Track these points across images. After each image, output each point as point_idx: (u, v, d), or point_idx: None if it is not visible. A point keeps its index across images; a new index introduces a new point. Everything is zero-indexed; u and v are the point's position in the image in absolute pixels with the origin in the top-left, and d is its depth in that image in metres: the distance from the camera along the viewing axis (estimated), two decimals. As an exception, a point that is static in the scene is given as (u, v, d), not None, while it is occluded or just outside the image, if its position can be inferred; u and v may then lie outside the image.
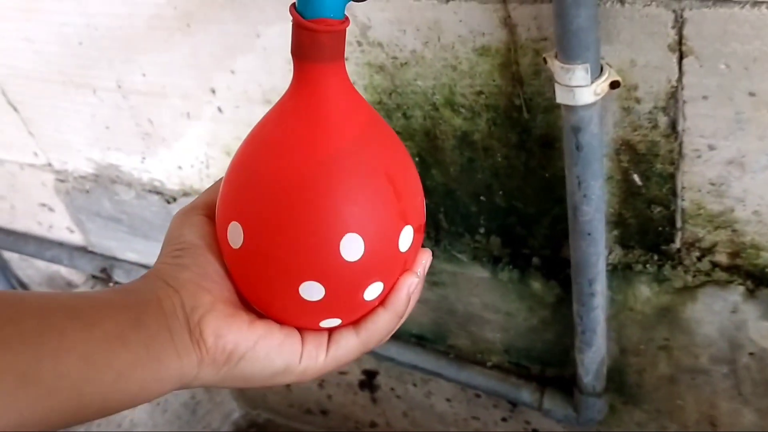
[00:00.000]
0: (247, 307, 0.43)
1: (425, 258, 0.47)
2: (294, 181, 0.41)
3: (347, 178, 0.41)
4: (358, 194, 0.42)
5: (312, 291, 0.42)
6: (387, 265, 0.44)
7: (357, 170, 0.42)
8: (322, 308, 0.43)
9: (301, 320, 0.44)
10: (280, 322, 0.43)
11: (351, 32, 0.73)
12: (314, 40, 0.37)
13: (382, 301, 0.45)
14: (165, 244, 0.44)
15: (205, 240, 0.43)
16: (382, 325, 0.44)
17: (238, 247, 0.42)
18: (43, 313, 0.35)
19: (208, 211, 0.45)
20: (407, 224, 0.44)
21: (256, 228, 0.41)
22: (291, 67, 0.41)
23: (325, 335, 0.44)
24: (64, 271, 1.48)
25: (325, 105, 0.40)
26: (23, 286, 1.62)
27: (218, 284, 0.42)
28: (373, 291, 0.44)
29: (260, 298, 0.44)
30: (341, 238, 0.41)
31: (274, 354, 0.41)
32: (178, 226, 0.44)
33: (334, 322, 0.44)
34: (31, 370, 0.33)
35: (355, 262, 0.42)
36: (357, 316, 0.45)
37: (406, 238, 0.44)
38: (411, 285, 0.45)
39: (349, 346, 0.44)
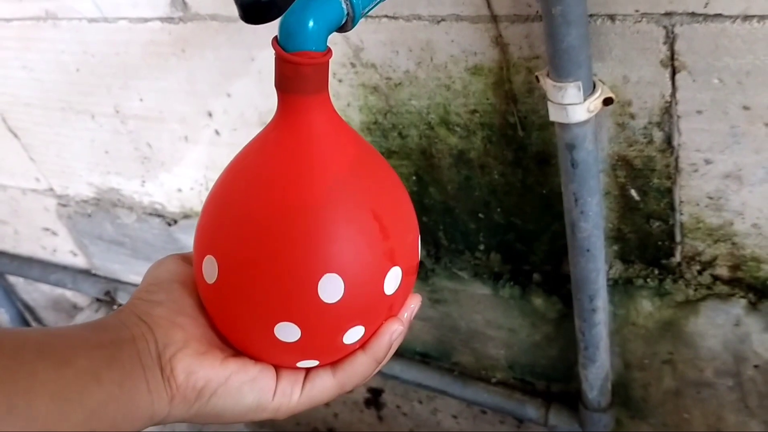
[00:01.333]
0: (224, 342, 0.43)
1: (414, 302, 0.46)
2: (271, 217, 0.39)
3: (328, 214, 0.40)
4: (339, 232, 0.40)
5: (287, 332, 0.41)
6: (370, 309, 0.43)
7: (339, 207, 0.40)
8: (299, 349, 0.42)
9: (276, 359, 0.43)
10: (256, 359, 0.43)
11: (344, 54, 0.73)
12: (297, 73, 0.37)
13: (363, 344, 0.44)
14: (141, 283, 0.44)
15: (180, 277, 0.43)
16: (360, 369, 0.44)
17: (212, 282, 0.41)
18: (15, 352, 0.34)
19: (187, 258, 0.45)
20: (395, 265, 0.42)
21: (230, 263, 0.40)
22: (277, 97, 0.40)
23: (302, 373, 0.44)
24: (68, 294, 1.49)
25: (309, 139, 0.40)
26: (29, 309, 1.62)
27: (192, 320, 0.42)
28: (353, 335, 0.42)
29: (235, 335, 0.43)
30: (319, 279, 0.39)
31: (246, 389, 0.41)
32: (155, 267, 0.44)
33: (311, 363, 0.43)
34: (3, 413, 0.32)
35: (333, 303, 0.40)
36: (335, 358, 0.44)
37: (393, 280, 0.42)
38: (394, 333, 0.44)
39: (325, 386, 0.44)
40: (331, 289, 0.40)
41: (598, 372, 0.83)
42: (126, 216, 1.16)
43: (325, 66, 0.38)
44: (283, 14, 0.37)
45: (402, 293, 0.44)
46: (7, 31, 0.97)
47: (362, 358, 0.44)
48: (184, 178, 1.02)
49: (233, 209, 0.41)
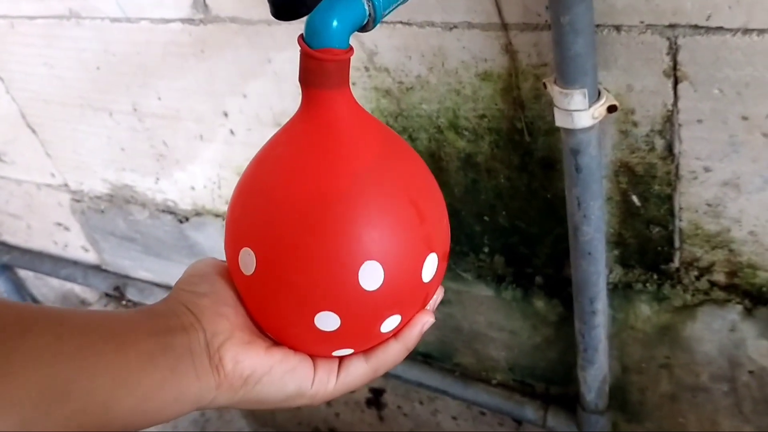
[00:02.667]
0: (262, 332, 0.44)
1: (438, 294, 0.47)
2: (309, 206, 0.40)
3: (366, 201, 0.40)
4: (378, 218, 0.40)
5: (327, 321, 0.41)
6: (408, 296, 0.43)
7: (376, 193, 0.40)
8: (337, 338, 0.42)
9: (313, 349, 0.44)
10: (292, 349, 0.43)
11: (359, 58, 0.76)
12: (321, 68, 0.39)
13: (396, 333, 0.44)
14: (180, 278, 0.45)
15: (219, 270, 0.45)
16: (392, 356, 0.45)
17: (250, 273, 0.41)
18: (84, 333, 0.37)
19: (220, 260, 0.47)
20: (432, 251, 0.42)
21: (269, 254, 0.41)
22: (301, 91, 0.42)
23: (336, 361, 0.45)
24: (78, 289, 1.51)
25: (337, 129, 0.41)
26: (37, 303, 1.65)
27: (234, 310, 0.43)
28: (390, 323, 0.43)
29: (273, 325, 0.43)
30: (360, 266, 0.39)
31: (287, 379, 0.43)
32: (194, 263, 0.46)
33: (346, 351, 0.44)
34: (68, 387, 0.34)
35: (374, 291, 0.40)
36: (370, 346, 0.45)
37: (431, 267, 0.42)
38: (426, 324, 0.45)
39: (359, 373, 0.45)
40: (371, 276, 0.40)
41: (596, 374, 0.85)
42: (138, 212, 1.19)
43: (347, 63, 0.40)
44: (310, 13, 0.39)
45: (437, 280, 0.44)
46: (31, 28, 1.00)
47: (395, 346, 0.45)
48: (197, 176, 1.05)
49: (267, 200, 0.41)
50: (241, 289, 0.43)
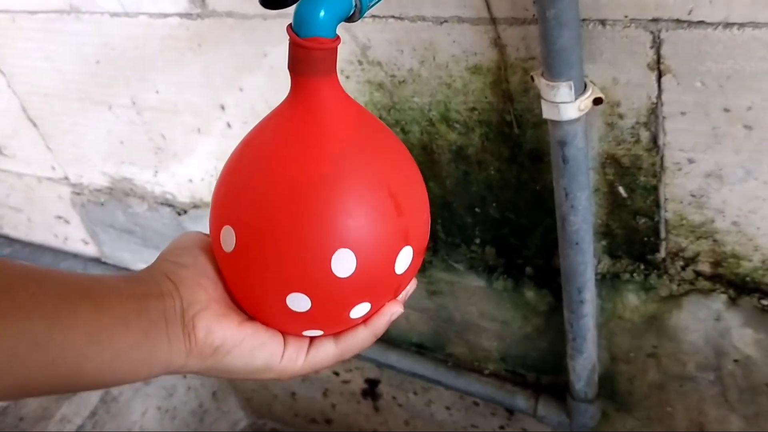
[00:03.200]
0: (238, 307, 0.46)
1: (411, 286, 0.49)
2: (289, 189, 0.41)
3: (344, 189, 0.41)
4: (355, 207, 0.41)
5: (299, 302, 0.42)
6: (379, 287, 0.44)
7: (355, 182, 0.41)
8: (307, 320, 0.44)
9: (284, 327, 0.46)
10: (265, 325, 0.45)
11: (352, 52, 0.77)
12: (308, 57, 0.41)
13: (366, 319, 0.46)
14: (164, 250, 0.48)
15: (202, 245, 0.47)
16: (359, 341, 0.47)
17: (230, 250, 0.43)
18: (62, 292, 0.39)
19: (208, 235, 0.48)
20: (407, 244, 0.43)
21: (247, 233, 0.42)
22: (290, 78, 0.44)
23: (306, 340, 0.47)
24: (78, 282, 1.53)
25: (320, 115, 0.42)
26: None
27: (213, 283, 0.45)
28: (359, 310, 0.44)
29: (248, 302, 0.45)
30: (333, 253, 0.41)
31: (257, 353, 0.45)
32: (179, 238, 0.48)
33: (316, 332, 0.46)
34: (42, 339, 0.36)
35: (345, 278, 0.41)
36: (339, 329, 0.47)
37: (404, 259, 0.44)
38: (395, 314, 0.47)
39: (328, 354, 0.47)
40: (344, 264, 0.41)
41: (585, 363, 0.87)
42: (138, 205, 1.20)
43: (334, 51, 0.42)
44: (298, 3, 0.41)
45: (410, 273, 0.45)
46: (32, 22, 1.01)
47: (363, 332, 0.47)
48: (195, 169, 1.06)
49: (249, 182, 0.43)
50: (222, 265, 0.45)
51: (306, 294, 0.42)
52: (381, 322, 0.47)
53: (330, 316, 0.45)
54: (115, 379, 0.41)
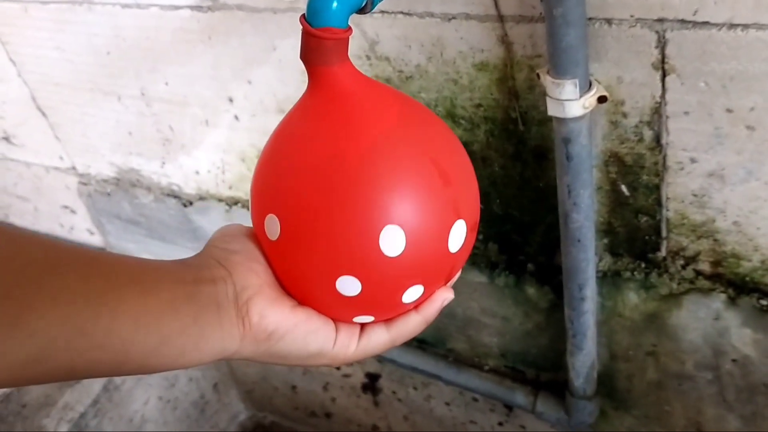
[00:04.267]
0: (289, 295, 0.45)
1: (457, 273, 0.48)
2: (327, 171, 0.40)
3: (384, 164, 0.40)
4: (397, 181, 0.39)
5: (349, 286, 0.42)
6: (432, 266, 0.42)
7: (395, 155, 0.40)
8: (358, 304, 0.43)
9: (335, 313, 0.45)
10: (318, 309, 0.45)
11: (360, 47, 0.78)
12: (321, 46, 0.42)
13: (417, 305, 0.45)
14: (212, 238, 0.47)
15: (248, 234, 0.47)
16: (411, 327, 0.47)
17: (275, 239, 0.43)
18: (109, 276, 0.38)
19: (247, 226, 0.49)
20: (459, 218, 0.41)
21: (291, 220, 0.42)
22: (304, 78, 0.44)
23: (358, 327, 0.47)
24: (82, 272, 1.54)
25: (348, 97, 0.42)
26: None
27: (264, 268, 0.45)
28: (412, 294, 0.43)
29: (297, 289, 0.44)
30: (380, 231, 0.39)
31: (310, 338, 0.44)
32: (223, 228, 0.48)
33: (367, 318, 0.45)
34: (89, 325, 0.36)
35: (395, 257, 0.40)
36: (391, 315, 0.46)
37: (458, 235, 0.42)
38: (446, 300, 0.46)
39: (379, 341, 0.47)
40: (393, 241, 0.39)
41: (584, 360, 0.87)
42: (144, 196, 1.21)
43: (346, 41, 0.43)
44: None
45: (464, 252, 0.43)
46: (43, 12, 1.02)
47: (415, 318, 0.46)
48: (202, 160, 1.07)
49: (287, 169, 0.42)
50: (268, 255, 0.45)
51: (356, 276, 0.41)
52: (433, 309, 0.46)
53: (381, 300, 0.43)
54: (163, 364, 0.40)
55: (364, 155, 0.40)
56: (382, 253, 0.40)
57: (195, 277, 0.42)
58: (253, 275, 0.44)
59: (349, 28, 0.43)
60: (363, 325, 0.47)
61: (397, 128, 0.41)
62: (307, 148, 0.42)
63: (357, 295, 0.42)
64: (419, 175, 0.40)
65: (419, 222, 0.40)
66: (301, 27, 0.43)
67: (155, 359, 0.40)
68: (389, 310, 0.45)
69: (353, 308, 0.44)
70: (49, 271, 0.36)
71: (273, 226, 0.43)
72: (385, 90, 0.44)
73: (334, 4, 0.41)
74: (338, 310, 0.45)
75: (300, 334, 0.44)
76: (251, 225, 0.49)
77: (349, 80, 0.42)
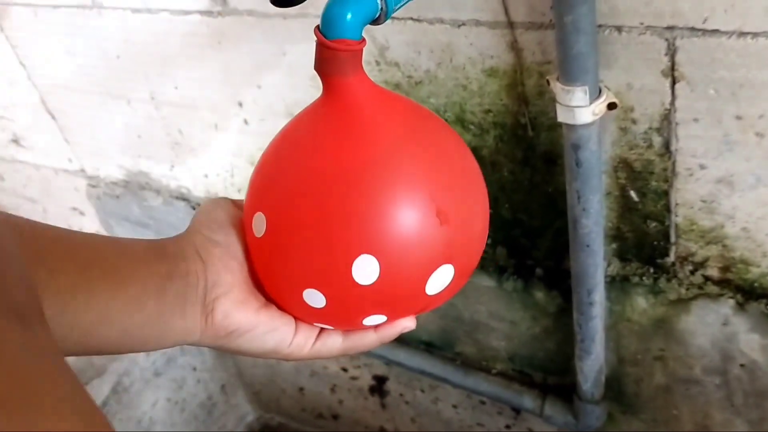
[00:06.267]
0: (259, 291, 0.46)
1: (430, 309, 0.47)
2: (318, 184, 0.40)
3: (377, 190, 0.39)
4: (385, 210, 0.38)
5: (315, 299, 0.42)
6: (402, 303, 0.41)
7: (391, 182, 0.38)
8: (320, 315, 0.44)
9: (298, 317, 0.46)
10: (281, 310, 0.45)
11: (370, 52, 0.79)
12: (335, 57, 0.42)
13: (377, 326, 0.46)
14: (198, 218, 0.47)
15: (234, 223, 0.47)
16: (367, 344, 0.48)
17: (259, 236, 0.43)
18: (82, 269, 0.39)
19: (238, 204, 0.49)
20: (447, 263, 0.39)
21: (276, 220, 0.42)
22: (314, 83, 0.45)
23: (316, 330, 0.48)
24: (90, 273, 1.55)
25: (358, 112, 0.42)
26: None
27: (240, 265, 0.45)
28: (373, 320, 0.43)
29: (268, 287, 0.45)
30: (356, 257, 0.39)
31: (267, 338, 0.46)
32: (212, 207, 0.48)
33: (327, 327, 0.46)
34: (56, 316, 0.37)
35: (366, 286, 0.39)
36: (350, 329, 0.47)
37: (440, 279, 0.40)
38: (406, 328, 0.47)
39: (333, 347, 0.48)
40: (365, 270, 0.38)
41: (593, 364, 0.88)
42: (153, 199, 1.22)
43: (360, 53, 0.43)
44: (326, 6, 0.42)
45: (446, 295, 0.42)
46: (54, 16, 1.03)
47: (372, 336, 0.47)
48: (211, 164, 1.08)
49: (284, 172, 0.43)
50: (251, 249, 0.45)
51: (323, 293, 0.41)
52: (391, 333, 0.47)
53: (343, 319, 0.44)
54: (124, 350, 0.42)
55: (358, 177, 0.39)
56: (353, 279, 0.39)
57: (168, 270, 0.42)
58: (227, 273, 0.44)
59: (363, 40, 0.43)
60: (321, 329, 0.47)
61: (404, 152, 0.39)
62: (306, 155, 0.42)
63: (321, 309, 0.42)
64: (413, 209, 0.38)
65: (400, 258, 0.38)
66: (314, 36, 0.43)
67: (114, 347, 0.41)
68: (348, 327, 0.46)
69: (315, 317, 0.44)
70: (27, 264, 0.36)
71: (260, 224, 0.43)
72: (400, 104, 0.43)
73: (349, 16, 0.42)
74: (301, 316, 0.45)
75: (259, 333, 0.45)
76: (233, 200, 0.49)
77: (363, 91, 0.42)
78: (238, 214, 0.48)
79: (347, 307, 0.42)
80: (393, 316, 0.44)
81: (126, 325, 0.40)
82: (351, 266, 0.39)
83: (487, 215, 0.43)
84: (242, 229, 0.46)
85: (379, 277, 0.39)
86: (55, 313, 0.37)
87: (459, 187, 0.41)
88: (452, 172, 0.41)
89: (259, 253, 0.45)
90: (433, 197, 0.38)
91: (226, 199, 0.49)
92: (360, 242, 0.39)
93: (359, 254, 0.38)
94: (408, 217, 0.38)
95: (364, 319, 0.43)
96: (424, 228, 0.38)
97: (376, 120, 0.41)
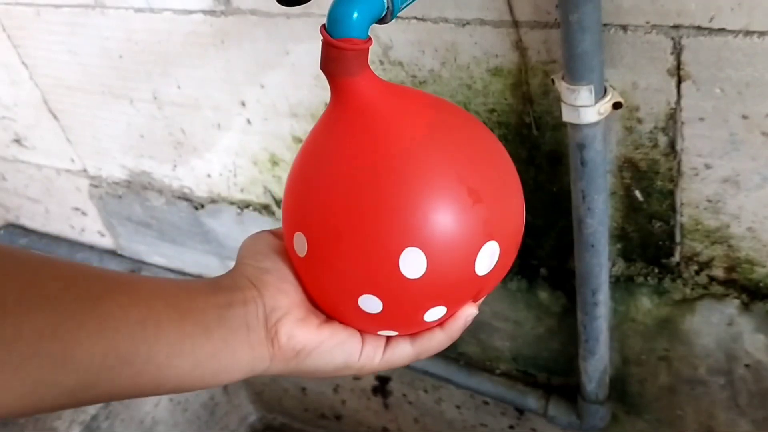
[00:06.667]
0: (316, 307, 0.46)
1: (488, 293, 0.47)
2: (348, 190, 0.40)
3: (406, 182, 0.39)
4: (420, 201, 0.39)
5: (370, 304, 0.42)
6: (455, 289, 0.42)
7: (418, 173, 0.39)
8: (381, 321, 0.43)
9: (359, 327, 0.45)
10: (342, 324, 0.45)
11: (374, 52, 0.78)
12: (341, 57, 0.42)
13: (442, 322, 0.45)
14: (243, 253, 0.48)
15: (278, 249, 0.47)
16: (436, 344, 0.47)
17: (302, 255, 0.43)
18: (148, 304, 0.40)
19: (277, 234, 0.49)
20: (491, 239, 0.40)
21: (316, 238, 0.42)
22: (317, 82, 0.45)
23: (383, 339, 0.47)
24: (93, 273, 1.55)
25: (371, 109, 0.41)
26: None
27: (294, 287, 0.46)
28: (434, 313, 0.43)
29: (323, 304, 0.45)
30: (400, 253, 0.39)
31: (336, 352, 0.46)
32: (253, 241, 0.49)
33: (391, 333, 0.45)
34: (129, 354, 0.38)
35: (416, 279, 0.39)
36: (414, 331, 0.46)
37: (487, 258, 0.40)
38: (470, 316, 0.47)
39: (404, 354, 0.48)
40: (413, 264, 0.39)
41: (597, 364, 0.87)
42: (155, 199, 1.22)
43: (366, 52, 0.43)
44: (332, 4, 0.42)
45: (497, 273, 0.42)
46: (56, 16, 1.03)
47: (439, 335, 0.47)
48: (214, 164, 1.08)
49: (313, 187, 0.42)
50: (297, 270, 0.45)
51: (377, 296, 0.41)
52: (457, 326, 0.47)
53: (403, 319, 0.43)
54: (196, 385, 0.42)
55: (387, 173, 0.39)
56: (402, 275, 0.39)
57: (227, 301, 0.43)
58: (283, 296, 0.45)
59: (370, 39, 0.42)
60: (388, 338, 0.47)
61: (424, 141, 0.40)
62: (331, 165, 0.42)
63: (379, 313, 0.42)
64: (444, 194, 0.39)
65: (442, 244, 0.39)
66: (317, 35, 0.43)
67: (190, 380, 0.41)
68: (412, 327, 0.45)
69: (376, 324, 0.44)
70: (91, 306, 0.38)
71: (301, 244, 0.43)
72: (413, 96, 0.43)
73: (355, 15, 0.41)
74: (362, 325, 0.45)
75: (326, 349, 0.45)
76: (270, 230, 0.49)
77: (373, 90, 0.42)
78: (279, 243, 0.48)
79: (404, 304, 0.42)
80: (451, 305, 0.43)
81: (197, 356, 0.41)
82: (398, 263, 0.39)
83: (521, 190, 0.43)
84: (287, 254, 0.46)
85: (427, 267, 0.39)
86: (129, 346, 0.38)
87: (486, 165, 0.41)
88: (477, 151, 0.41)
89: (305, 273, 0.45)
90: (462, 178, 0.39)
91: (264, 231, 0.50)
92: (401, 237, 0.39)
93: (403, 249, 0.39)
94: (441, 203, 0.38)
95: (424, 314, 0.43)
96: (459, 210, 0.39)
97: (391, 115, 0.41)
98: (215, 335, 0.41)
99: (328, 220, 0.41)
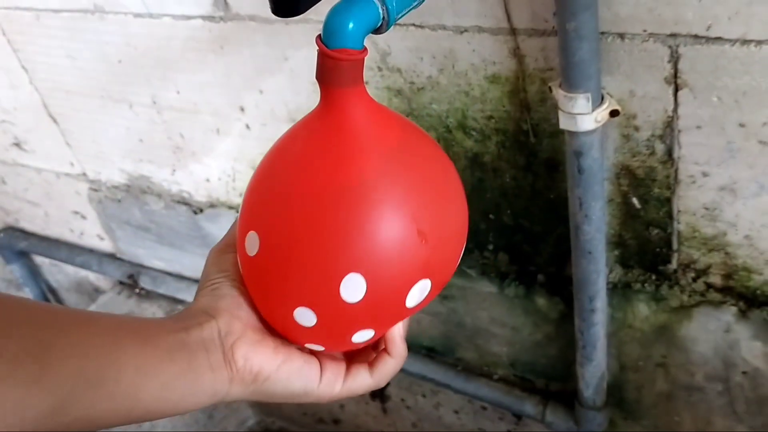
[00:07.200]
0: (273, 332, 0.48)
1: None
2: (309, 202, 0.41)
3: (365, 211, 0.40)
4: (372, 231, 0.40)
5: (305, 317, 0.43)
6: (386, 317, 0.44)
7: (378, 205, 0.40)
8: (311, 335, 0.45)
9: (289, 337, 0.47)
10: (275, 330, 0.47)
11: (372, 58, 0.79)
12: (336, 67, 0.42)
13: (365, 344, 0.47)
14: (204, 278, 0.50)
15: (237, 275, 0.49)
16: (391, 368, 0.50)
17: (252, 255, 0.44)
18: (112, 332, 0.42)
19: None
20: (425, 277, 0.42)
21: (269, 240, 0.43)
22: (316, 88, 0.45)
23: (343, 367, 0.49)
24: (92, 276, 1.55)
25: (351, 129, 0.42)
26: (52, 291, 1.69)
27: (249, 313, 0.47)
28: (362, 336, 0.45)
29: (261, 306, 0.46)
30: (344, 276, 0.40)
31: (294, 378, 0.47)
32: (215, 263, 0.50)
33: (317, 347, 0.47)
34: (97, 377, 0.39)
35: (353, 303, 0.41)
36: (340, 350, 0.48)
37: (418, 293, 0.43)
38: (401, 331, 0.48)
39: (364, 383, 0.50)
40: (353, 289, 0.41)
41: (594, 371, 0.87)
42: (154, 203, 1.22)
43: (361, 62, 0.43)
44: (327, 15, 0.42)
45: (422, 305, 0.44)
46: (56, 21, 1.03)
47: (392, 361, 0.49)
48: (212, 168, 1.08)
49: (276, 190, 0.43)
50: (243, 270, 0.46)
51: (313, 311, 0.43)
52: (399, 346, 0.49)
53: (333, 337, 0.45)
54: (167, 409, 0.43)
55: (350, 197, 0.40)
56: (341, 298, 0.41)
57: (185, 326, 0.45)
58: (236, 321, 0.46)
59: (365, 49, 0.43)
60: (348, 366, 0.49)
61: (390, 174, 0.41)
62: (298, 173, 0.43)
63: (311, 327, 0.44)
64: (396, 230, 0.40)
65: (384, 275, 0.40)
66: (315, 44, 0.43)
67: (159, 404, 0.42)
68: (339, 346, 0.47)
69: (306, 337, 0.45)
70: (58, 334, 0.39)
71: (253, 243, 0.44)
72: (392, 122, 0.44)
73: (350, 25, 0.41)
74: (292, 335, 0.46)
75: (284, 374, 0.46)
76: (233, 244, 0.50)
77: (359, 106, 0.43)
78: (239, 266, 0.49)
79: (337, 324, 0.44)
80: (379, 330, 0.45)
81: (163, 378, 0.42)
82: (339, 285, 0.41)
83: (465, 233, 0.45)
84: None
85: (366, 294, 0.41)
86: (96, 369, 0.40)
87: (440, 208, 0.43)
88: (435, 193, 0.43)
89: (251, 272, 0.45)
90: (415, 218, 0.41)
91: (227, 249, 0.51)
92: (348, 261, 0.40)
93: (348, 272, 0.40)
94: (392, 237, 0.40)
95: (353, 335, 0.45)
96: (407, 247, 0.41)
97: (368, 140, 0.42)
98: (177, 356, 0.43)
99: (285, 226, 0.42)
